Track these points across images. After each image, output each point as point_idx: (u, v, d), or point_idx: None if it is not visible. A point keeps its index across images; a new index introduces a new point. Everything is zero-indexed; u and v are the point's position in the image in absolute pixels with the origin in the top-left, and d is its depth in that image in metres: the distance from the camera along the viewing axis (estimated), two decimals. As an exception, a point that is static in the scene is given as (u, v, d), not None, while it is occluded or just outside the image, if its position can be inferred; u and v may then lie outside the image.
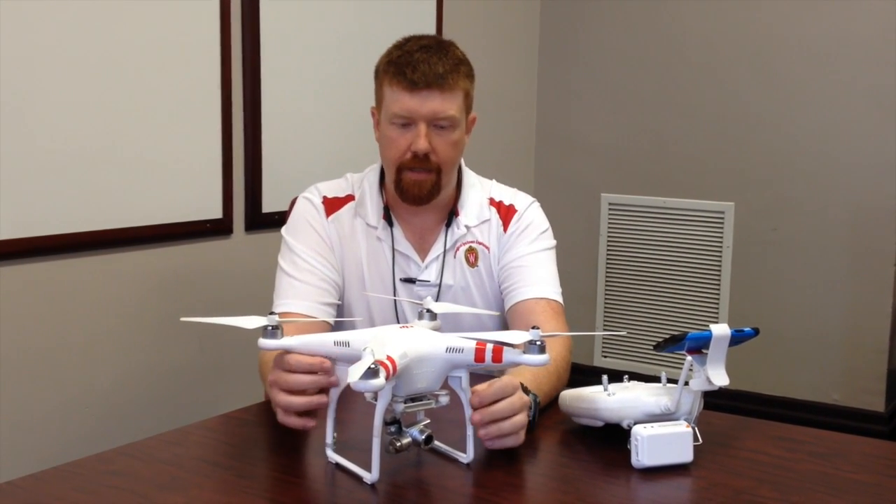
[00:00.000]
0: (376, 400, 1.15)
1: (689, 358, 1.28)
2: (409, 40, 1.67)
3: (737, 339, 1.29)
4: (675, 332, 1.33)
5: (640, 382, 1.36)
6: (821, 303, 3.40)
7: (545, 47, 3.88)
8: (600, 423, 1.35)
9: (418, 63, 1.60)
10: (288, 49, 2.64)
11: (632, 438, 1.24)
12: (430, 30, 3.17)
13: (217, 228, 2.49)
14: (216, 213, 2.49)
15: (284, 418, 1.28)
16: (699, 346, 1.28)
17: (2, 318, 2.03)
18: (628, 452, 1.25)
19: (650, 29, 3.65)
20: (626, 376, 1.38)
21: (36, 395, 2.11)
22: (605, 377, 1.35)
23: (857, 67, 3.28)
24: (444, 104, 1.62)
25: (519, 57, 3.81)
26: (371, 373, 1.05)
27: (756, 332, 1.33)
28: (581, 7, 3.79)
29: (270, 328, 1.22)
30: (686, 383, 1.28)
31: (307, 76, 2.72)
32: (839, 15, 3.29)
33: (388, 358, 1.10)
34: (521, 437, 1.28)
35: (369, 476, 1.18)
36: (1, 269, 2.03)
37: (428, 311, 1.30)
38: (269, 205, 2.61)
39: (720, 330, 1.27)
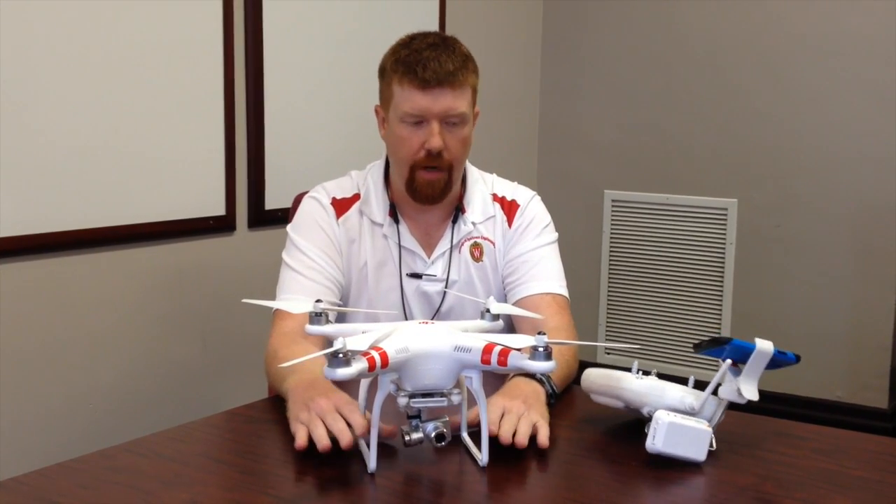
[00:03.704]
0: (397, 393, 1.17)
1: (725, 364, 1.27)
2: (414, 38, 1.67)
3: (777, 361, 1.28)
4: (716, 335, 1.33)
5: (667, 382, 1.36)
6: (824, 300, 3.40)
7: (548, 44, 3.88)
8: (620, 405, 1.35)
9: (428, 61, 1.60)
10: (291, 46, 2.64)
11: (652, 422, 1.24)
12: (433, 28, 3.16)
13: (220, 225, 2.50)
14: (219, 210, 2.49)
15: (337, 425, 1.25)
16: (738, 357, 1.27)
17: (5, 315, 2.04)
18: (635, 450, 1.25)
19: (653, 26, 3.64)
20: (655, 371, 1.37)
21: (39, 391, 2.12)
22: (635, 363, 1.36)
23: (861, 64, 3.27)
24: (456, 101, 1.62)
25: (522, 54, 3.81)
26: (341, 361, 1.05)
27: (797, 359, 1.32)
28: (584, 4, 3.78)
29: (315, 315, 1.24)
30: (715, 390, 1.28)
31: (310, 73, 2.72)
32: (843, 12, 3.29)
33: (377, 349, 1.10)
34: (536, 428, 1.30)
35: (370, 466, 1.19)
36: (4, 266, 2.03)
37: (487, 310, 1.31)
38: (272, 202, 2.61)
39: (764, 345, 1.26)
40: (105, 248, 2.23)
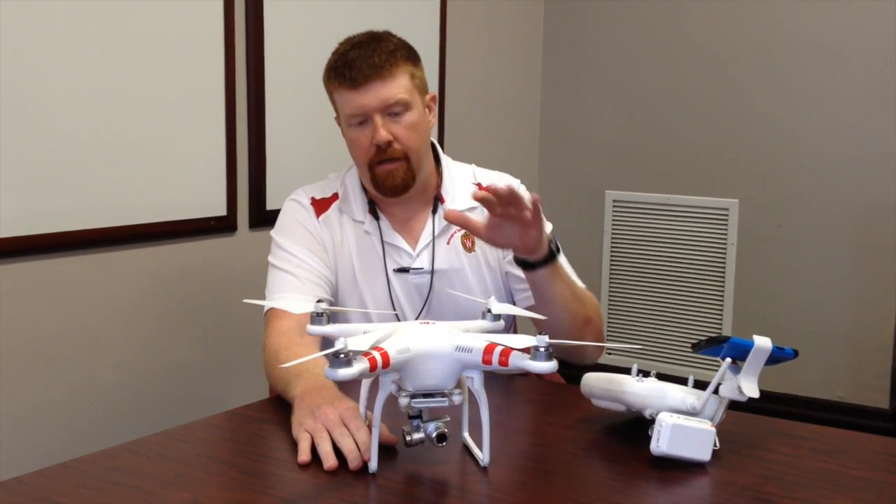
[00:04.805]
0: (398, 393, 1.17)
1: (726, 363, 1.27)
2: (342, 43, 1.71)
3: (775, 357, 1.28)
4: (715, 335, 1.33)
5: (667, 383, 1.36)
6: (825, 300, 3.40)
7: (549, 44, 3.88)
8: (622, 408, 1.34)
9: (354, 60, 1.64)
10: (292, 46, 2.64)
11: (656, 424, 1.24)
12: (434, 28, 3.16)
13: (221, 226, 2.50)
14: (220, 210, 2.49)
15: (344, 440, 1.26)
16: (736, 355, 1.27)
17: (5, 315, 2.04)
18: (635, 450, 1.25)
19: (654, 26, 3.64)
20: (654, 372, 1.38)
21: (40, 391, 2.12)
22: (635, 366, 1.35)
23: (862, 64, 3.27)
24: (389, 90, 1.64)
25: (523, 54, 3.81)
26: (342, 362, 1.06)
27: (796, 353, 1.32)
28: (585, 4, 3.78)
29: (316, 315, 1.23)
30: (716, 389, 1.28)
31: (311, 73, 2.69)
32: (843, 12, 3.29)
33: (378, 349, 1.10)
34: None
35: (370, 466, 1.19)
36: (4, 266, 2.03)
37: (488, 311, 1.30)
38: (273, 202, 2.60)
39: (762, 342, 1.26)
40: (106, 249, 2.23)
